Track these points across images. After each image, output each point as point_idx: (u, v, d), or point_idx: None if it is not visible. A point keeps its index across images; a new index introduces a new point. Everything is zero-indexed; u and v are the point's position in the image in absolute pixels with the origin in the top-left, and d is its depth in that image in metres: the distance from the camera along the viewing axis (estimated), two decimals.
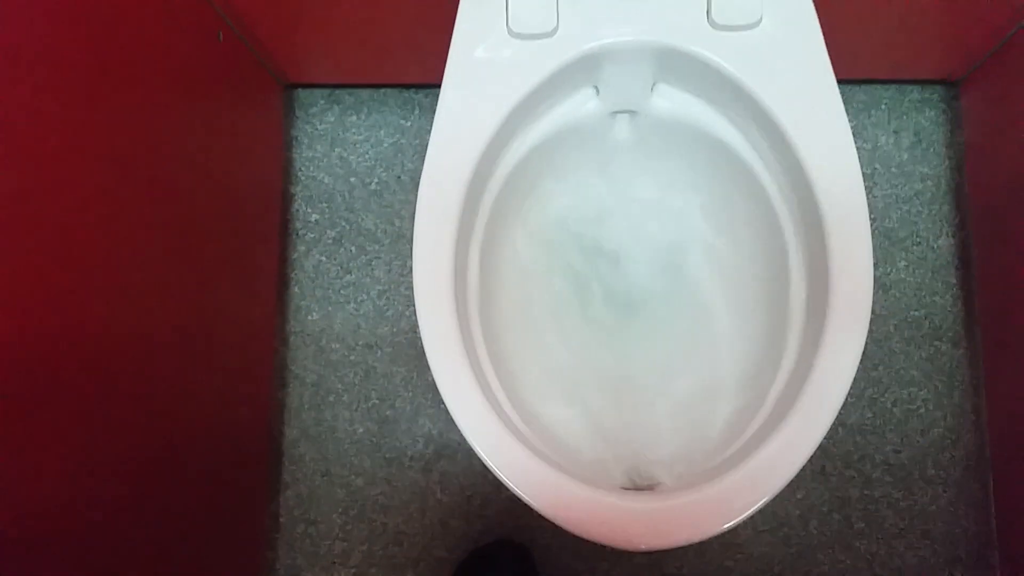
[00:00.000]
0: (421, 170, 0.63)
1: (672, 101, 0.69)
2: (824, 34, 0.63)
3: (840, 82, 0.63)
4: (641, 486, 0.63)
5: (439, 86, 0.64)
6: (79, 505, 0.63)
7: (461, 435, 1.02)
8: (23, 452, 0.56)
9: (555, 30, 0.63)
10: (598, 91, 0.69)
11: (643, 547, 0.56)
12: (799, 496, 1.00)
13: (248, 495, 0.97)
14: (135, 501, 0.71)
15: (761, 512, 1.00)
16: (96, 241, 0.64)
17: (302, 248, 1.08)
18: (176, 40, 0.77)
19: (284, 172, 1.09)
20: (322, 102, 1.11)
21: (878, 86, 1.08)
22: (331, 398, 1.05)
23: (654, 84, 0.69)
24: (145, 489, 0.72)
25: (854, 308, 0.59)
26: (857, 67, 1.01)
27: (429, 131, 0.64)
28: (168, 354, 0.76)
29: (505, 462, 0.58)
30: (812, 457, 0.99)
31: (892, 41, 0.94)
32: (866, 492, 1.00)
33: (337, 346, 1.06)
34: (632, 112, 0.71)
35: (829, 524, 1.00)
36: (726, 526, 0.56)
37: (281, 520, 1.03)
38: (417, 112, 1.10)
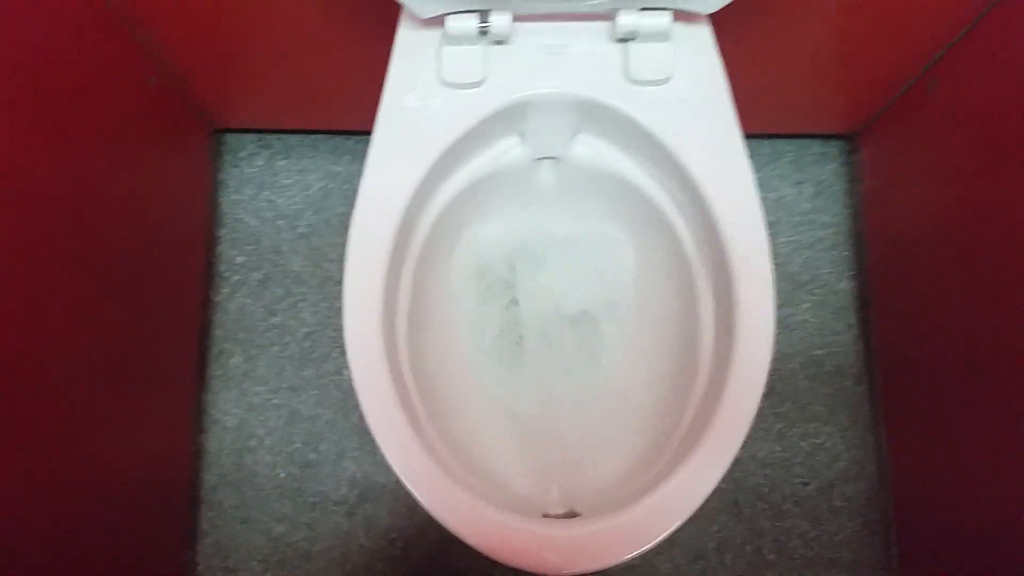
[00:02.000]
0: (351, 214, 0.65)
1: (592, 149, 0.73)
2: (731, 91, 0.69)
3: (747, 136, 0.68)
4: (562, 515, 0.65)
5: (370, 133, 0.67)
6: None
7: (386, 478, 1.03)
8: None
9: (483, 81, 0.66)
10: (523, 138, 0.73)
11: (566, 571, 0.58)
12: (715, 529, 1.04)
13: (164, 543, 0.94)
14: (46, 549, 0.69)
15: (680, 546, 1.03)
16: (16, 278, 0.63)
17: (226, 290, 1.08)
18: (107, 83, 0.78)
19: (210, 215, 1.09)
20: (251, 146, 1.12)
21: (782, 140, 1.16)
22: (252, 442, 1.04)
23: (575, 133, 0.73)
24: (56, 535, 0.70)
25: (758, 341, 0.63)
26: (762, 122, 1.09)
27: (359, 176, 0.66)
28: (84, 395, 0.75)
29: (433, 494, 0.60)
30: (725, 491, 1.04)
31: (794, 98, 1.02)
32: (777, 524, 1.04)
33: (260, 389, 1.05)
34: (555, 159, 0.75)
35: (743, 556, 1.04)
36: (642, 549, 0.59)
37: (199, 568, 1.00)
38: (348, 157, 1.12)
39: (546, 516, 0.65)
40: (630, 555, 0.59)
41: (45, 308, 0.67)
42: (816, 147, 1.15)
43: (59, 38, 0.69)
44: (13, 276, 0.63)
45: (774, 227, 1.12)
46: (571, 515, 0.66)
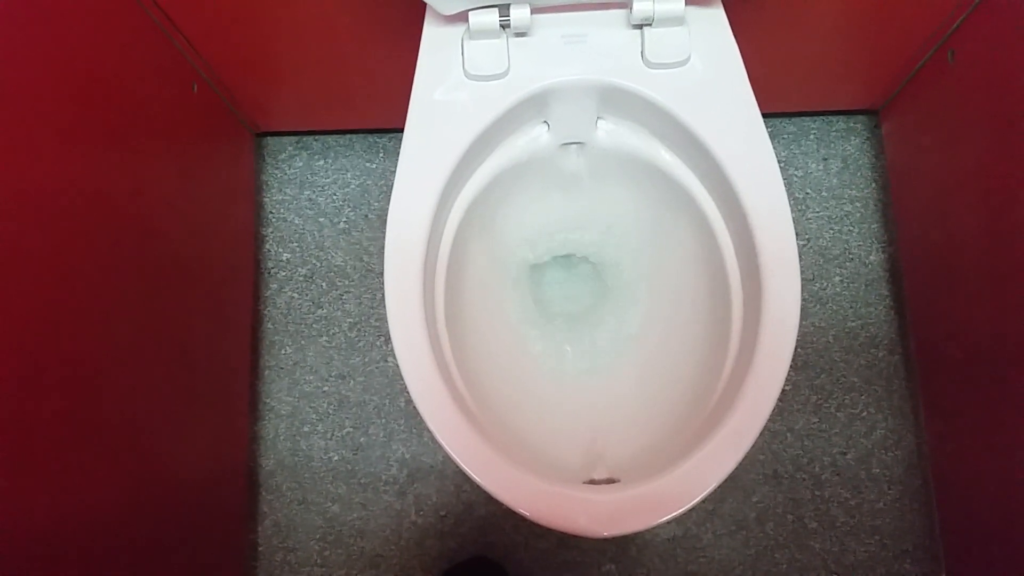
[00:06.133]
0: (387, 208, 0.69)
1: (615, 132, 0.76)
2: (751, 71, 0.71)
3: (771, 115, 0.71)
4: (602, 481, 0.69)
5: (402, 130, 0.70)
6: (61, 533, 0.65)
7: (433, 458, 1.07)
8: (12, 476, 0.60)
9: (507, 72, 0.70)
10: (548, 125, 0.76)
11: (606, 533, 0.61)
12: (755, 499, 1.06)
13: (226, 526, 1.00)
14: (116, 534, 0.74)
15: (720, 517, 1.06)
16: (84, 277, 0.69)
17: (274, 286, 1.13)
18: (154, 92, 0.83)
19: (256, 215, 1.14)
20: (291, 148, 1.17)
21: (806, 118, 1.17)
22: (306, 428, 1.09)
23: (598, 118, 0.76)
24: (126, 522, 0.75)
25: (784, 310, 0.65)
26: (786, 101, 1.10)
27: (394, 172, 0.69)
28: (148, 390, 0.80)
29: (481, 467, 0.63)
30: (764, 462, 1.06)
31: (815, 76, 1.04)
32: (817, 493, 1.06)
33: (311, 378, 1.10)
34: (580, 143, 0.78)
35: (784, 525, 1.06)
36: (678, 512, 0.61)
37: (260, 549, 1.06)
38: (382, 155, 1.17)
39: (587, 483, 0.68)
40: (667, 517, 0.62)
41: (109, 308, 0.73)
42: (840, 123, 1.17)
43: (110, 55, 0.74)
44: (80, 278, 0.68)
45: (802, 203, 1.14)
46: (611, 481, 0.69)
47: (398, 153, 0.69)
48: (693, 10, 0.71)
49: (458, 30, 0.71)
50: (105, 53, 0.73)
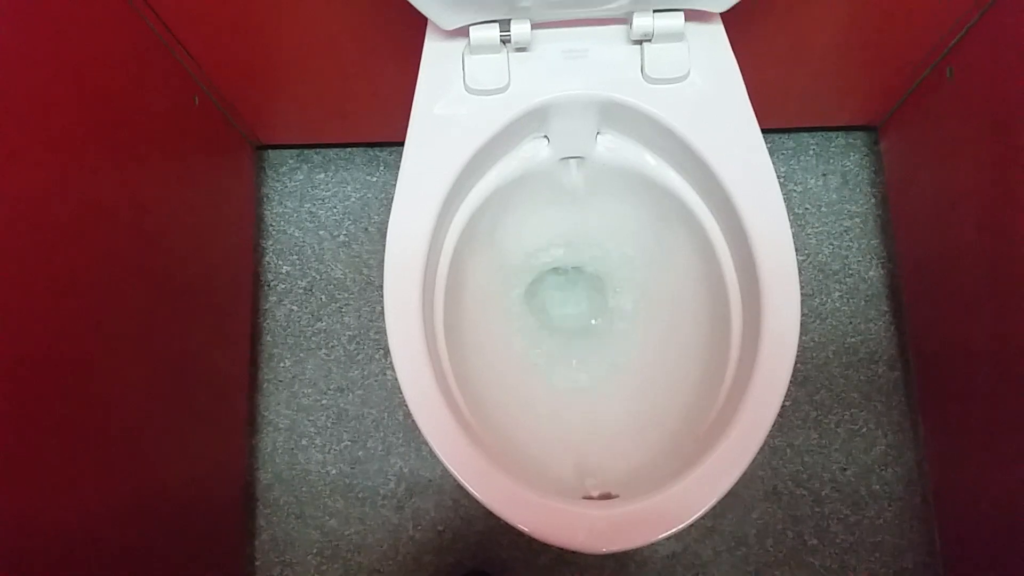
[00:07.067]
0: (387, 221, 0.69)
1: (615, 147, 0.77)
2: (750, 87, 0.71)
3: (770, 131, 0.71)
4: (600, 496, 0.68)
5: (403, 143, 0.71)
6: (56, 545, 0.65)
7: (431, 472, 1.06)
8: (6, 486, 0.59)
9: (507, 86, 0.70)
10: (548, 140, 0.76)
11: (604, 550, 0.61)
12: (755, 516, 1.06)
13: (223, 540, 0.99)
14: (111, 546, 0.73)
15: (720, 533, 1.05)
16: (84, 288, 0.69)
17: (273, 299, 1.13)
18: (155, 104, 0.83)
19: (256, 227, 1.15)
20: (291, 161, 1.18)
21: (806, 134, 1.17)
22: (304, 442, 1.09)
23: (598, 132, 0.76)
24: (121, 534, 0.75)
25: (784, 325, 0.65)
26: (785, 117, 1.11)
27: (394, 185, 0.69)
28: (147, 401, 0.80)
29: (480, 482, 0.63)
30: (764, 478, 1.06)
31: (814, 92, 1.04)
32: (817, 509, 1.06)
33: (309, 391, 1.10)
34: (580, 158, 0.79)
35: (784, 542, 1.05)
36: (677, 529, 0.61)
37: (257, 563, 1.05)
38: (382, 168, 1.17)
39: (585, 498, 0.68)
40: (666, 533, 0.61)
41: (107, 319, 0.72)
42: (840, 139, 1.17)
43: (111, 68, 0.74)
44: (79, 289, 0.68)
45: (802, 219, 1.14)
46: (609, 497, 0.68)
47: (398, 166, 0.70)
48: (692, 26, 0.71)
49: (459, 45, 0.71)
50: (106, 66, 0.73)
